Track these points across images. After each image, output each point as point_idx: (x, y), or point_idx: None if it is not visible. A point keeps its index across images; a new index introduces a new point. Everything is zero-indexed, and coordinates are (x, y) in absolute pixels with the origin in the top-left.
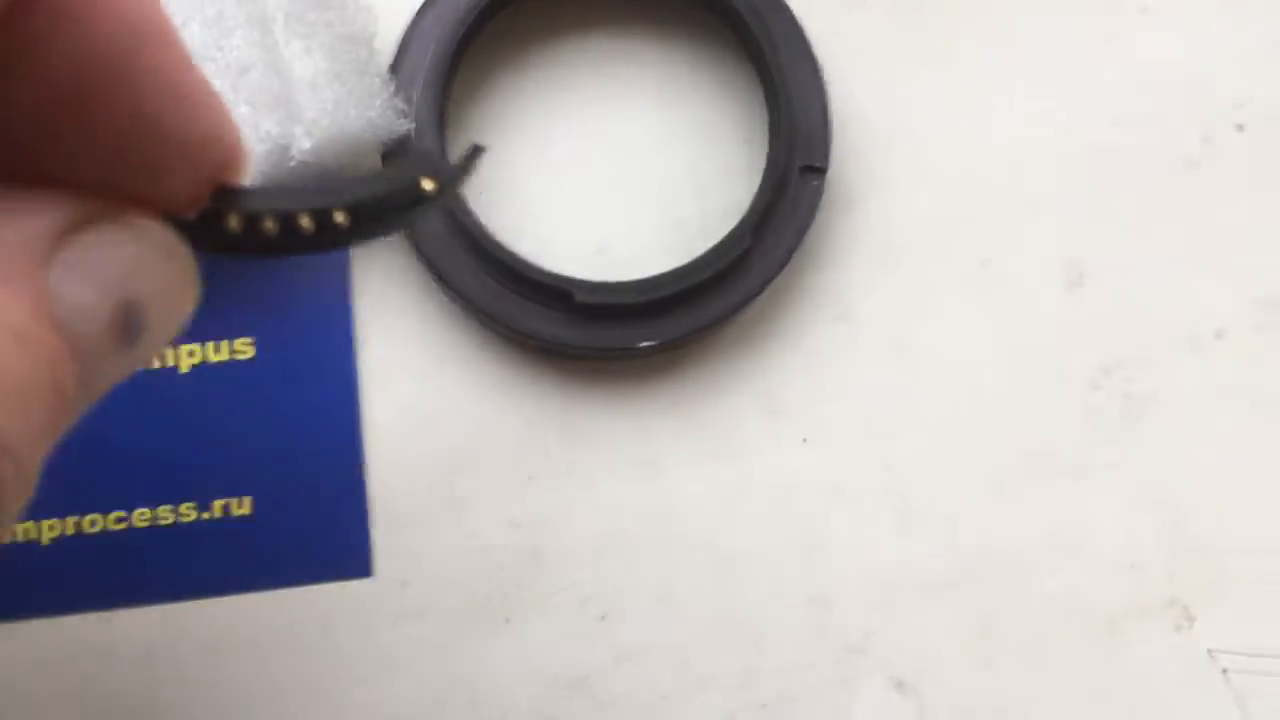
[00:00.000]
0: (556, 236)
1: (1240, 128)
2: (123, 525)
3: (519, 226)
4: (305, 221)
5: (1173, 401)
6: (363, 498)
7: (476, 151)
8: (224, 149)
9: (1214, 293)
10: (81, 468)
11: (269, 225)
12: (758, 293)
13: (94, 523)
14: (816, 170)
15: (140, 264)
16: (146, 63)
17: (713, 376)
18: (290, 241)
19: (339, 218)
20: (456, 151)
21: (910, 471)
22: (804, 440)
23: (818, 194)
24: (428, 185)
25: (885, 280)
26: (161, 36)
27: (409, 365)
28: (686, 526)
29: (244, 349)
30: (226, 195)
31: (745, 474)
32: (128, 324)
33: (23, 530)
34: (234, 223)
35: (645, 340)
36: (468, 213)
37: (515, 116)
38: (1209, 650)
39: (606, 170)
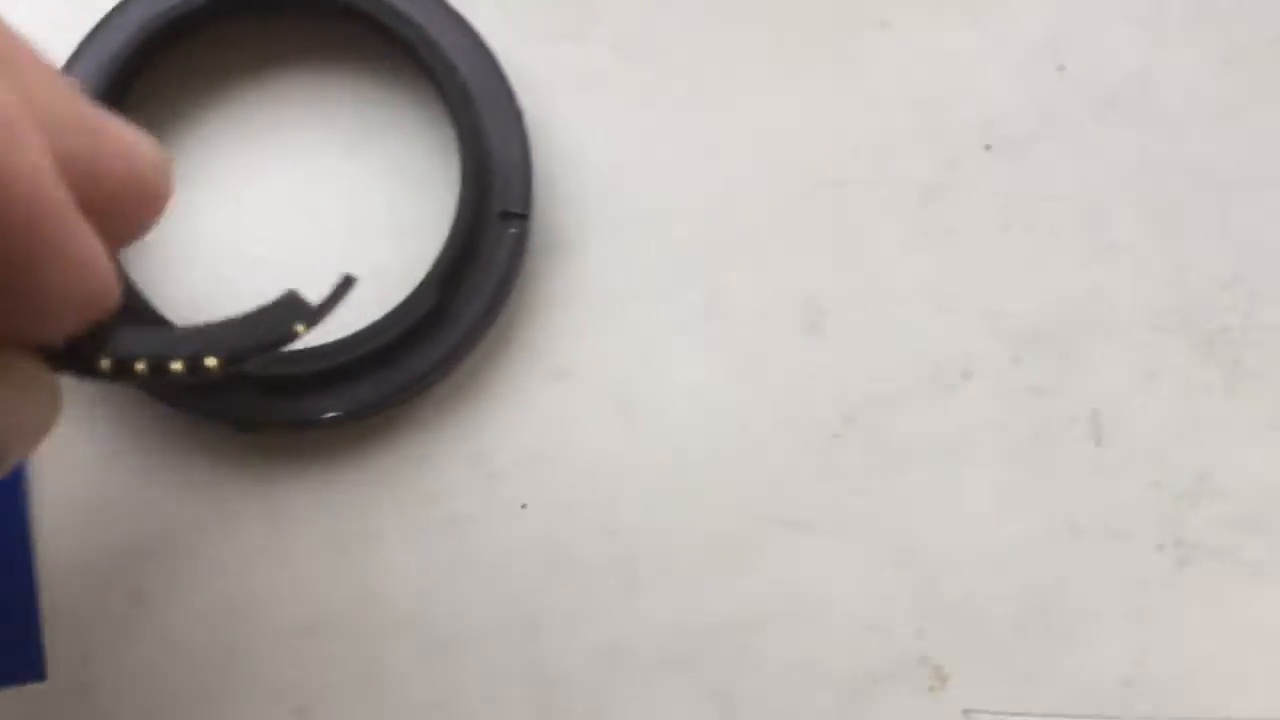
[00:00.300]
0: (242, 294)
1: (988, 148)
2: None
3: (200, 285)
4: (177, 366)
5: (919, 448)
6: (33, 595)
7: (347, 284)
8: (105, 298)
9: (961, 328)
10: None
11: (139, 367)
12: (457, 352)
13: None
14: (516, 216)
15: (9, 405)
16: (47, 237)
17: (422, 442)
18: (157, 379)
19: (210, 362)
20: None
21: (637, 536)
22: (523, 506)
23: (519, 242)
24: (299, 329)
25: (605, 331)
26: (59, 211)
27: (81, 449)
28: (396, 607)
29: None
30: (100, 332)
31: (459, 546)
32: None
33: None
34: (105, 365)
35: (329, 411)
36: (123, 281)
37: (189, 164)
38: (965, 711)
39: (294, 219)
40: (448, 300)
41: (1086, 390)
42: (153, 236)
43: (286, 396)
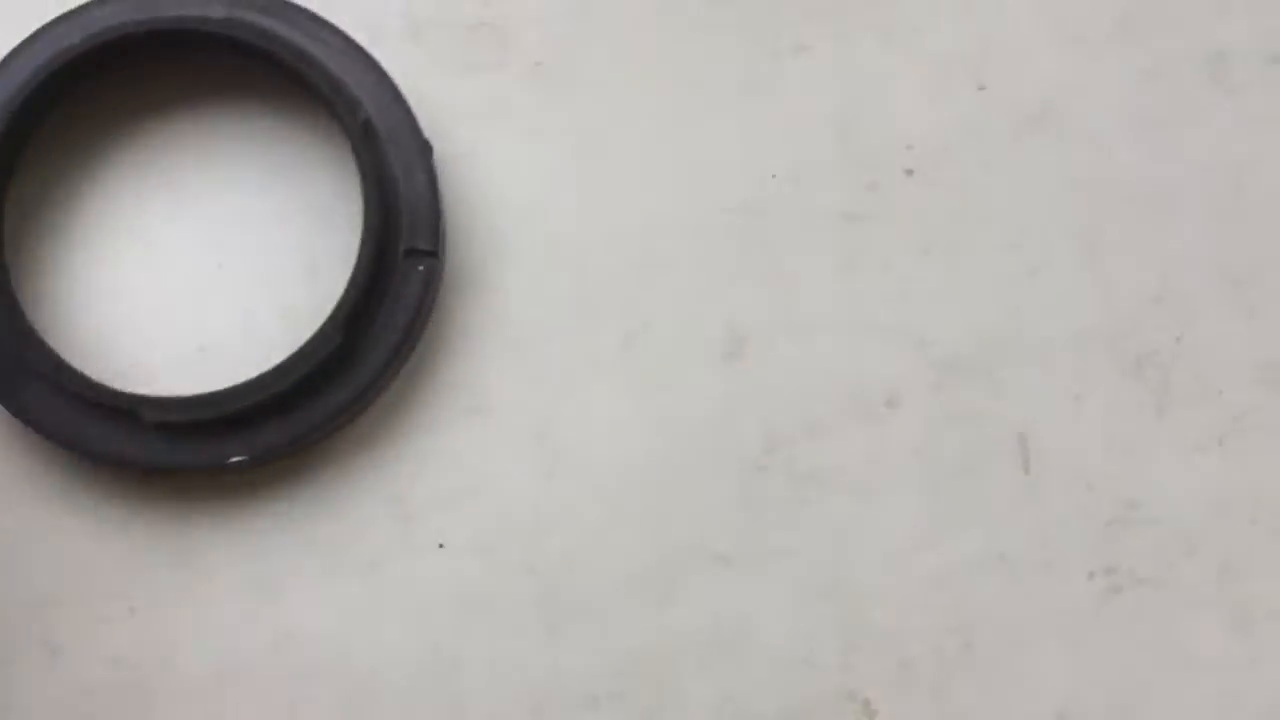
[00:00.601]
0: (152, 336)
1: (909, 172)
2: None
3: (109, 327)
4: None
5: (844, 477)
6: None
7: None
8: None
9: (885, 356)
10: None
11: None
12: (367, 393)
13: None
14: (424, 254)
15: None
16: None
17: (336, 482)
18: None
19: None
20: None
21: (557, 574)
22: (440, 545)
23: (428, 279)
24: None
25: (522, 366)
26: None
27: None
28: (312, 650)
29: None
30: None
31: (376, 587)
32: None
33: None
34: None
35: (235, 456)
36: (25, 327)
37: (95, 206)
38: None
39: (202, 259)
40: (355, 340)
41: (1013, 415)
42: (60, 278)
43: (191, 441)
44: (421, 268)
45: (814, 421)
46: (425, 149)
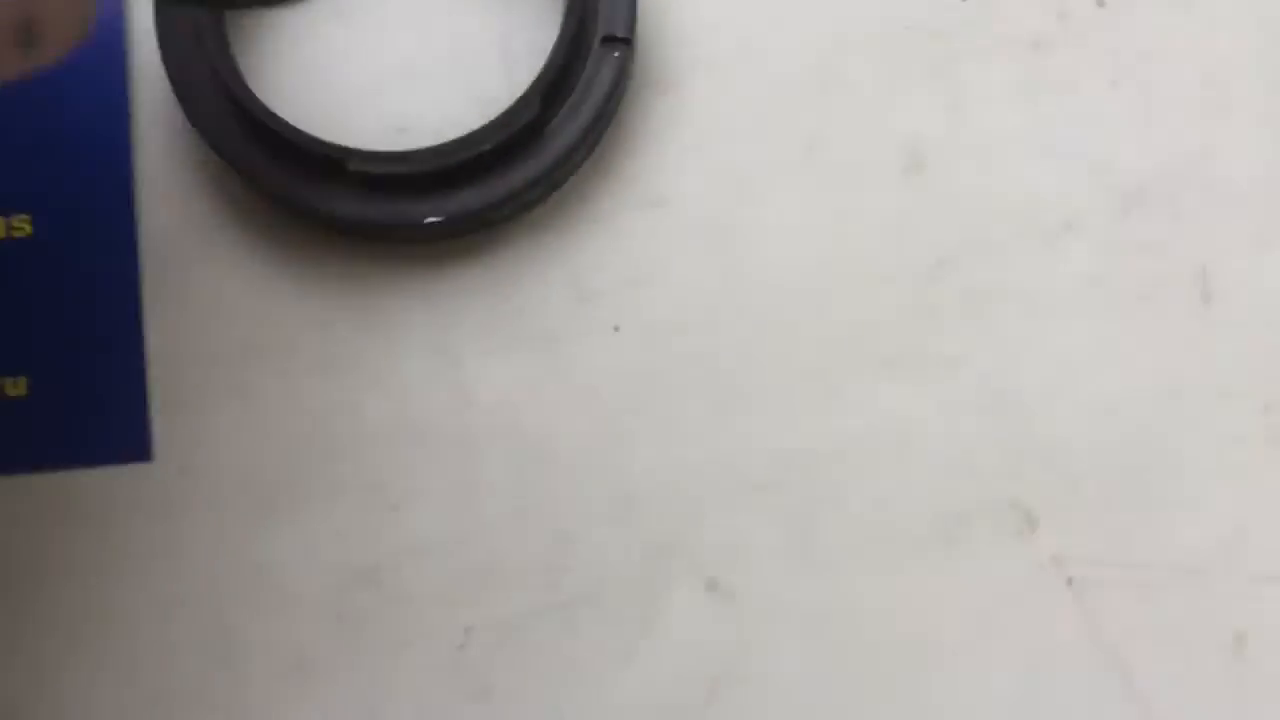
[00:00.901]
0: (353, 117)
1: (1101, 3)
2: None
3: (313, 107)
4: None
5: (1017, 296)
6: (143, 380)
7: None
8: None
9: (1065, 181)
10: None
11: None
12: (557, 169)
13: None
14: (619, 41)
15: None
16: None
17: (518, 261)
18: None
19: None
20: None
21: (728, 364)
22: (615, 329)
23: (621, 67)
24: None
25: (705, 163)
26: None
27: (193, 244)
28: (486, 417)
29: (21, 226)
30: None
31: (551, 363)
32: (24, 38)
33: None
34: None
35: (432, 216)
36: (241, 83)
37: None
38: (1053, 557)
39: (404, 46)
40: (549, 117)
41: (1195, 249)
42: (269, 58)
43: (390, 199)
44: (616, 55)
45: (989, 241)
46: None
